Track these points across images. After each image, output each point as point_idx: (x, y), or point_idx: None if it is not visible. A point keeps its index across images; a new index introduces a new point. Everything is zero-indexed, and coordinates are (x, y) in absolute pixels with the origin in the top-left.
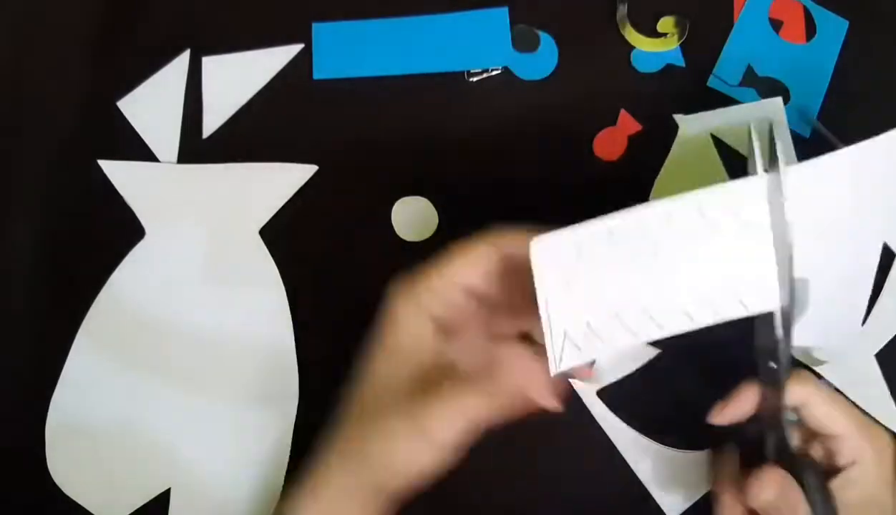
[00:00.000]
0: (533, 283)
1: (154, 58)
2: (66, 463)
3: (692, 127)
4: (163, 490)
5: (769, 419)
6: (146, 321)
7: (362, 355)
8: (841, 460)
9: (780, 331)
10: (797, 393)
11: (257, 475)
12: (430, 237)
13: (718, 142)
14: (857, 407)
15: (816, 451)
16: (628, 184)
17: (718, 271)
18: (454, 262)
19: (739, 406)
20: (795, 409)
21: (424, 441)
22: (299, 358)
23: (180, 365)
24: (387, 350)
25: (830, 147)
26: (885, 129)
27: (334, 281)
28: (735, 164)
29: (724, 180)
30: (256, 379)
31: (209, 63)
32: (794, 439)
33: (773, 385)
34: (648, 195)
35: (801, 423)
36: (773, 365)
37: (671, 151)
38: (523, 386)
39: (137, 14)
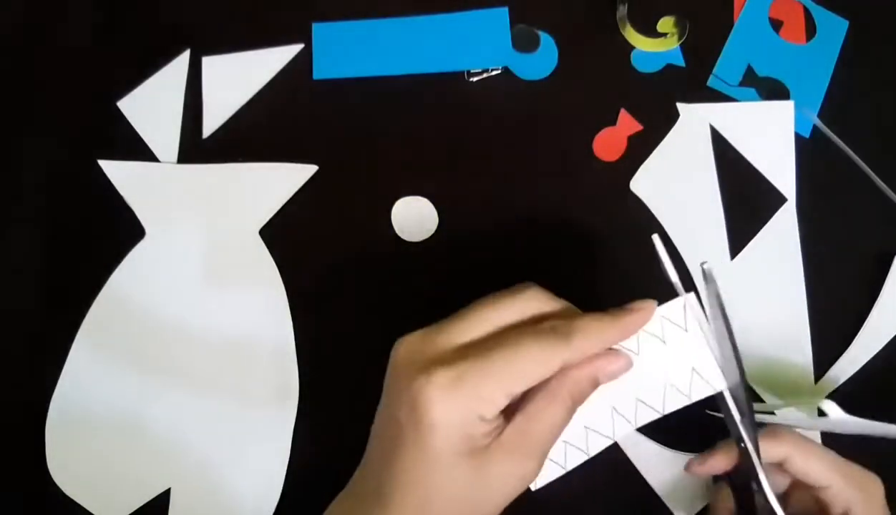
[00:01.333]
0: None
1: (154, 58)
2: (66, 464)
3: (693, 116)
4: (163, 490)
5: (744, 478)
6: (146, 321)
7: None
8: (834, 510)
9: (737, 415)
10: (776, 450)
11: (257, 475)
12: (430, 237)
13: (716, 135)
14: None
15: (807, 501)
16: (628, 184)
17: (664, 371)
18: (516, 380)
19: (714, 464)
20: (779, 465)
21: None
22: (299, 358)
23: (180, 365)
24: (434, 446)
25: (832, 146)
26: (885, 129)
27: (334, 280)
28: (726, 157)
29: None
30: (256, 378)
31: (209, 63)
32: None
33: (746, 459)
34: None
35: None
36: (741, 444)
37: (667, 136)
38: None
39: (137, 14)
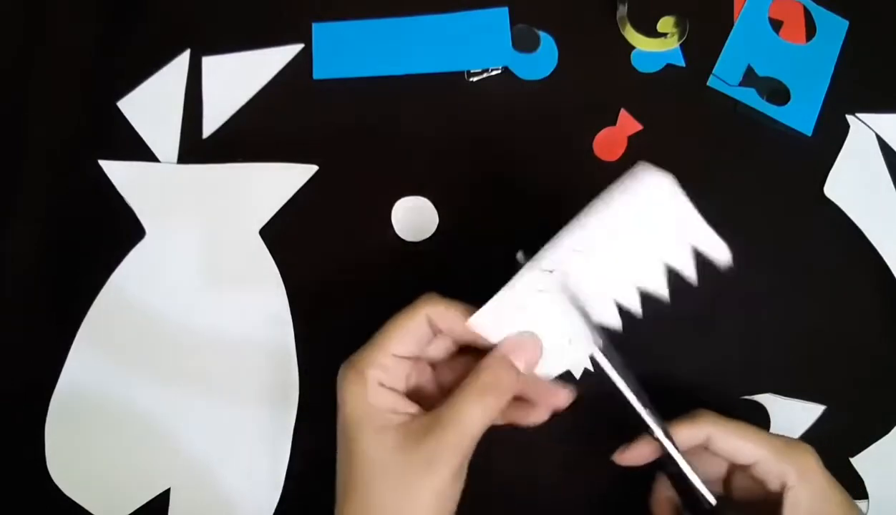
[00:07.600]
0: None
1: (154, 58)
2: (65, 464)
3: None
4: (163, 490)
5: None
6: (146, 321)
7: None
8: (770, 486)
9: (637, 406)
10: (696, 433)
11: (257, 475)
12: (430, 237)
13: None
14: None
15: (748, 482)
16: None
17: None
18: (390, 336)
19: (636, 454)
20: (705, 448)
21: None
22: (299, 358)
23: (180, 365)
24: (354, 429)
25: (834, 147)
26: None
27: (334, 281)
28: None
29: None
30: (256, 379)
31: (209, 63)
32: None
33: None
34: None
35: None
36: (650, 431)
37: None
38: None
39: (137, 14)
